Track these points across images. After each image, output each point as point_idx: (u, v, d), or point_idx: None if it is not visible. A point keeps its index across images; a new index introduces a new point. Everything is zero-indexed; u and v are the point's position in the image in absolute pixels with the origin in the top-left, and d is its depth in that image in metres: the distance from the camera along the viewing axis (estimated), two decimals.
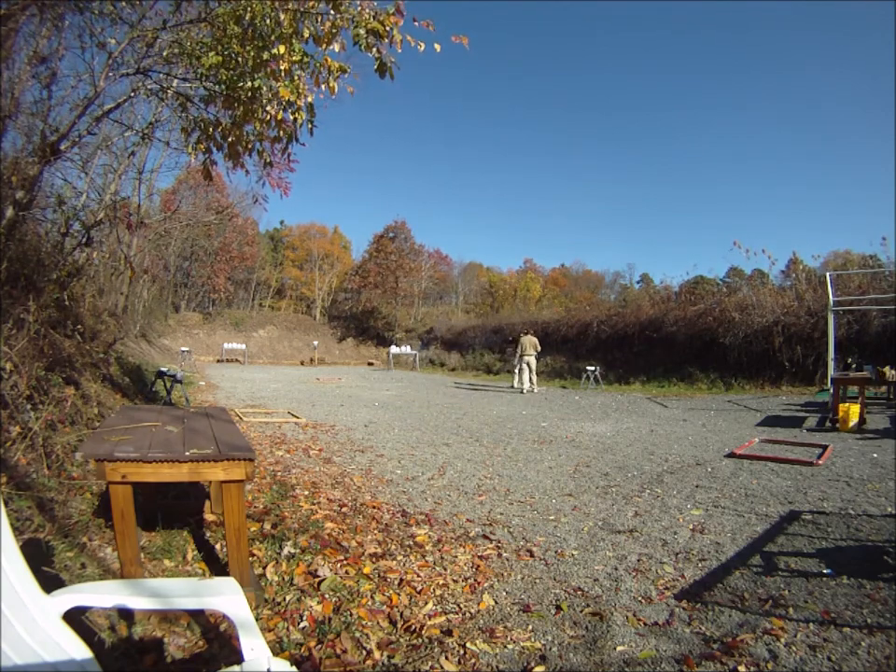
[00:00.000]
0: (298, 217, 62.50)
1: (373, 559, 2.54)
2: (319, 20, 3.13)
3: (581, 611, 2.15)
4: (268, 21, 3.15)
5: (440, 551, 2.73)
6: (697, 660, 1.77)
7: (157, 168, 13.01)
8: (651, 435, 6.50)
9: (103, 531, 2.46)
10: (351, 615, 2.01)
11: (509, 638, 1.93)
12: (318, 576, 2.30)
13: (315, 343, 28.14)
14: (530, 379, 12.39)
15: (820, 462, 4.72)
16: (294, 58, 3.17)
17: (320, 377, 16.36)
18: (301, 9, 3.12)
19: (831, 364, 9.11)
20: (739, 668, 1.71)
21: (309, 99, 3.46)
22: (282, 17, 3.09)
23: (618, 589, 2.35)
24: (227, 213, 21.12)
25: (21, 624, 0.98)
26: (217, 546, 2.58)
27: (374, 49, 2.98)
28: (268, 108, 3.44)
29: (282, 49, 3.13)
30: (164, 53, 3.93)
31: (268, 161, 3.87)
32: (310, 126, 3.57)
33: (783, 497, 3.70)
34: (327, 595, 2.16)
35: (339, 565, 2.43)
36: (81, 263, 5.57)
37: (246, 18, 3.15)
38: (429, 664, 1.75)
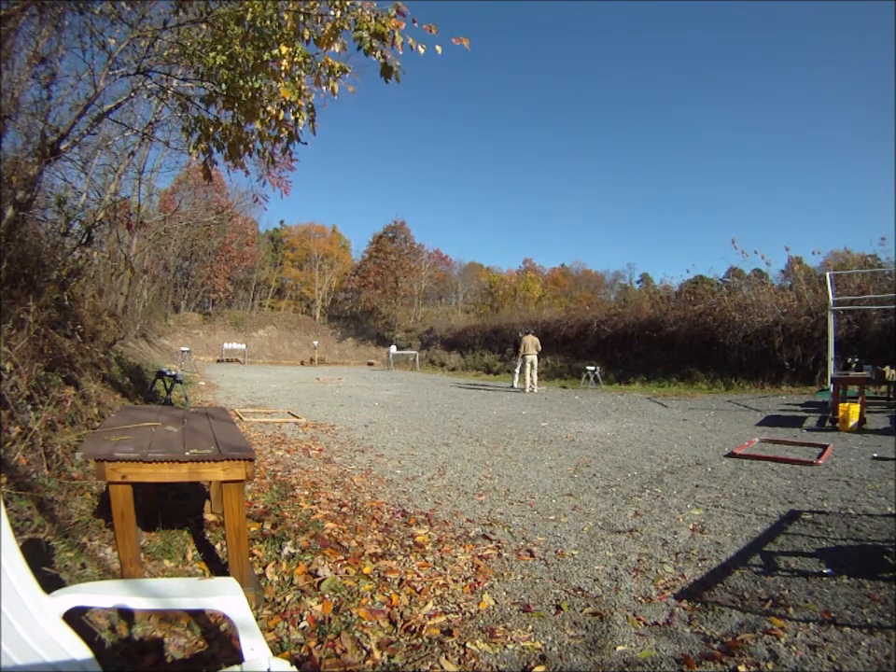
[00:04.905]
0: (297, 217, 62.44)
1: (373, 559, 2.54)
2: (320, 20, 3.13)
3: (582, 611, 2.15)
4: (268, 23, 3.15)
5: (440, 551, 2.73)
6: (697, 660, 1.77)
7: (157, 168, 13.02)
8: (650, 435, 6.49)
9: (103, 531, 2.46)
10: (351, 615, 2.01)
11: (509, 638, 1.93)
12: (318, 576, 2.30)
13: (315, 342, 28.14)
14: (531, 378, 12.38)
15: (820, 462, 4.72)
16: (297, 59, 3.18)
17: (320, 377, 16.35)
18: (303, 10, 3.12)
19: (831, 364, 9.11)
20: (739, 668, 1.71)
21: (310, 99, 3.46)
22: (285, 17, 3.09)
23: (618, 589, 2.35)
24: (227, 213, 21.13)
25: (21, 624, 0.98)
26: (217, 546, 2.58)
27: (378, 53, 2.97)
28: (268, 108, 3.45)
29: (283, 49, 3.13)
30: (164, 53, 3.93)
31: (270, 159, 3.88)
32: (311, 125, 3.57)
33: (783, 497, 3.70)
34: (327, 595, 2.16)
35: (339, 565, 2.43)
36: (81, 263, 5.57)
37: (247, 18, 3.15)
38: (429, 664, 1.75)
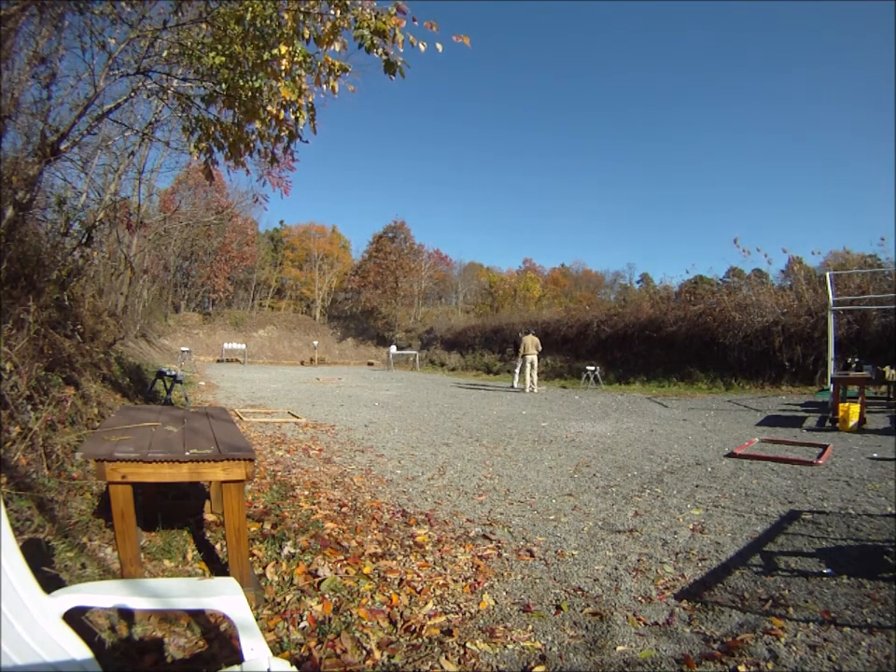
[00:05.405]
0: (297, 217, 62.36)
1: (373, 559, 2.54)
2: (320, 19, 3.13)
3: (582, 611, 2.15)
4: (268, 22, 3.15)
5: (440, 551, 2.73)
6: (697, 660, 1.77)
7: (157, 168, 13.02)
8: (650, 435, 6.49)
9: (103, 531, 2.46)
10: (351, 615, 2.01)
11: (509, 638, 1.93)
12: (318, 576, 2.30)
13: (315, 342, 28.14)
14: (531, 378, 12.38)
15: (820, 462, 4.72)
16: (297, 58, 3.18)
17: (320, 377, 16.35)
18: (303, 9, 3.12)
19: (831, 364, 9.12)
20: (739, 668, 1.71)
21: (310, 98, 3.47)
22: (285, 16, 3.09)
23: (618, 589, 2.35)
24: (227, 213, 21.13)
25: (21, 624, 0.98)
26: (217, 546, 2.58)
27: (380, 50, 2.97)
28: (269, 108, 3.45)
29: (283, 49, 3.13)
30: (164, 53, 3.93)
31: (272, 158, 3.89)
32: (312, 124, 3.58)
33: (783, 497, 3.70)
34: (327, 595, 2.16)
35: (339, 565, 2.43)
36: (81, 263, 5.57)
37: (247, 18, 3.15)
38: (429, 664, 1.75)
